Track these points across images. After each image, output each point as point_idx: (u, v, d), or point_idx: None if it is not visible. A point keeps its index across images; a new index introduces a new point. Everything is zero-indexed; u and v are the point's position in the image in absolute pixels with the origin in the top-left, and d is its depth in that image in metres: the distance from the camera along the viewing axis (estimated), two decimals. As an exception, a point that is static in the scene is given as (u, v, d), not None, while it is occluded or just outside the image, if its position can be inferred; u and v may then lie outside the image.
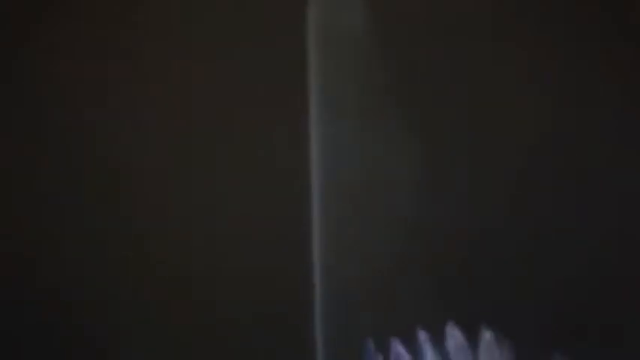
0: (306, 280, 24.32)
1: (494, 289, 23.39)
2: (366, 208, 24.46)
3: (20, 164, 25.47)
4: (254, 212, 24.82)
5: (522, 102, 25.01)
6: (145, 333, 23.97)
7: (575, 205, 24.80)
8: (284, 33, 25.06)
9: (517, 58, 25.52)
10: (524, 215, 24.75)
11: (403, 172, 24.26)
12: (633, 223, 24.38)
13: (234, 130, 25.30)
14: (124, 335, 24.12)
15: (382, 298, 23.46)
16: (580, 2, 25.00)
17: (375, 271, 23.89)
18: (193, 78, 25.81)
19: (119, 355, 23.78)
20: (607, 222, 24.61)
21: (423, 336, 21.37)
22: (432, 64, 24.98)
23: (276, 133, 24.94)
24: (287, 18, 24.93)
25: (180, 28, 26.13)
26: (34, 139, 25.89)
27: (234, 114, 25.31)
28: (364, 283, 23.71)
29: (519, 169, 24.79)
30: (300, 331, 23.82)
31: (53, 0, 26.66)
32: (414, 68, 24.75)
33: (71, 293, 24.41)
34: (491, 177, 24.50)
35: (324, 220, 24.45)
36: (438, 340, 21.23)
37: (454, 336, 21.35)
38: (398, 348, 21.62)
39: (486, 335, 21.03)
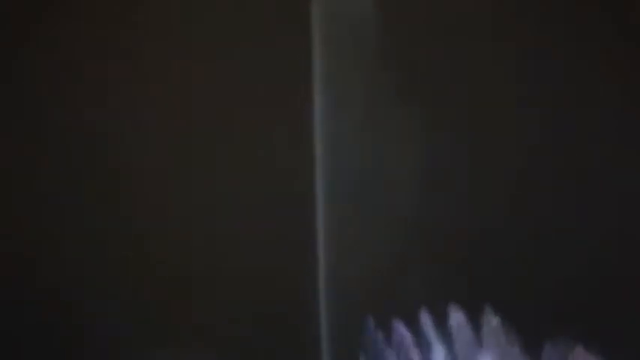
0: (311, 263, 24.40)
1: (497, 274, 23.49)
2: (370, 199, 24.53)
3: (20, 164, 25.49)
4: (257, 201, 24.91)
5: (523, 102, 25.12)
6: (146, 327, 24.00)
7: (575, 196, 24.89)
8: (288, 31, 25.11)
9: (517, 58, 25.62)
10: (525, 207, 24.85)
11: (406, 168, 24.35)
12: (632, 217, 24.46)
13: (238, 129, 25.36)
14: (124, 333, 24.14)
15: (386, 281, 23.58)
16: (580, 2, 25.08)
17: (379, 256, 24.04)
18: (195, 77, 25.77)
19: (120, 353, 23.77)
20: (604, 208, 24.70)
21: (425, 318, 21.57)
22: (435, 63, 25.01)
23: (280, 132, 25.00)
24: (291, 15, 25.00)
25: (181, 26, 26.04)
26: (34, 139, 25.92)
27: (238, 113, 25.37)
28: (368, 267, 23.81)
29: (519, 168, 24.90)
30: (304, 311, 23.90)
31: (53, 0, 26.69)
32: (418, 67, 24.80)
33: (71, 291, 24.44)
34: (491, 172, 24.57)
35: (329, 208, 24.49)
36: (441, 322, 21.52)
37: (456, 318, 21.55)
38: (401, 329, 21.75)
39: (492, 320, 21.21)
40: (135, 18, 26.21)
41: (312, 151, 24.33)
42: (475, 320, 21.15)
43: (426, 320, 21.27)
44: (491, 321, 21.03)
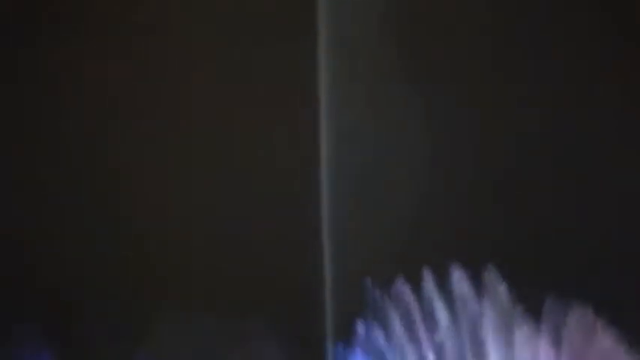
0: (315, 223, 24.49)
1: (499, 236, 23.61)
2: (375, 170, 24.65)
3: (21, 163, 25.50)
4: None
5: (524, 101, 25.23)
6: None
7: (575, 164, 24.86)
8: (293, 32, 25.14)
9: (517, 58, 25.74)
10: (526, 170, 24.88)
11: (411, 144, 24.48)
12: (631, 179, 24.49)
13: (241, 128, 25.36)
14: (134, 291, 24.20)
15: (389, 242, 23.68)
16: (580, 3, 25.19)
17: (383, 218, 24.15)
18: (199, 74, 25.87)
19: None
20: (605, 171, 24.73)
21: (427, 276, 21.74)
22: (443, 62, 25.10)
23: (284, 129, 25.04)
24: (297, 13, 25.04)
25: (183, 25, 26.21)
26: (35, 139, 25.95)
27: (242, 111, 25.38)
28: (372, 227, 23.92)
29: (518, 130, 25.05)
30: (308, 272, 23.94)
31: (54, 1, 26.72)
32: (424, 66, 24.82)
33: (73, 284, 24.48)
34: (492, 141, 24.68)
35: (333, 169, 24.59)
36: (443, 281, 21.68)
37: (458, 277, 21.72)
38: (401, 286, 21.91)
39: (490, 276, 21.42)
40: (136, 18, 26.26)
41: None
42: (476, 280, 21.54)
43: (428, 279, 21.62)
44: (492, 280, 21.35)
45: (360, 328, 21.70)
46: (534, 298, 21.04)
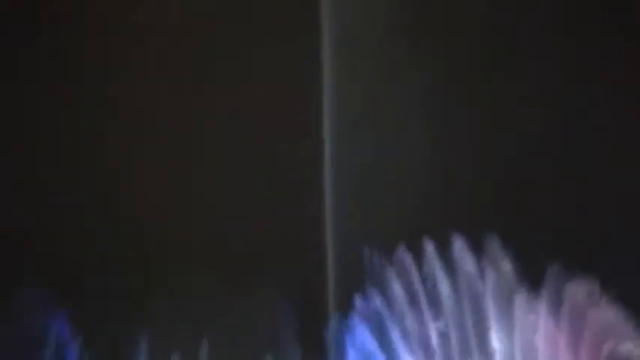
0: (318, 191, 24.57)
1: (499, 205, 23.75)
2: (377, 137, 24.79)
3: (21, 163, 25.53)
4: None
5: (525, 100, 25.32)
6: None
7: (577, 135, 24.94)
8: (296, 28, 25.23)
9: (518, 58, 25.82)
10: (528, 137, 24.97)
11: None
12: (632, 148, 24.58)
13: (247, 131, 25.50)
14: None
15: (390, 211, 23.73)
16: (581, 3, 25.26)
17: (385, 184, 24.24)
18: (200, 74, 25.94)
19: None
20: (606, 140, 24.79)
21: (428, 244, 21.84)
22: (446, 63, 25.16)
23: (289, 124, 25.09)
24: (301, 17, 25.13)
25: (188, 24, 26.28)
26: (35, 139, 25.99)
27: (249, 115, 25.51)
28: (374, 194, 23.99)
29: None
30: (312, 241, 24.03)
31: (54, 2, 26.74)
32: (428, 69, 24.91)
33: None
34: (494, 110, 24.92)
35: (335, 136, 24.70)
36: (444, 249, 21.80)
37: (459, 245, 21.84)
38: (402, 252, 22.02)
39: (492, 244, 21.54)
40: (137, 18, 26.27)
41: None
42: (477, 248, 21.67)
43: (428, 247, 21.76)
44: (493, 249, 21.49)
45: (361, 297, 21.74)
46: (535, 267, 21.12)
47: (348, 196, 24.35)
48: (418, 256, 21.88)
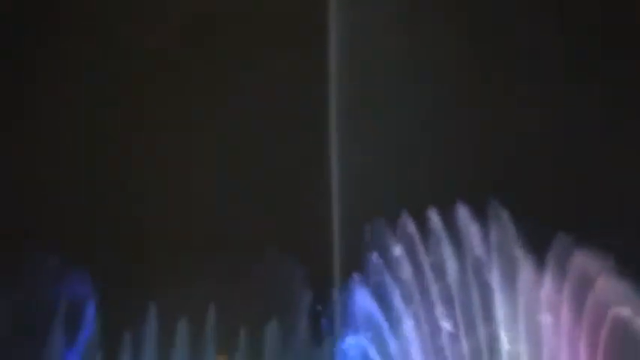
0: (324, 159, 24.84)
1: (505, 176, 23.93)
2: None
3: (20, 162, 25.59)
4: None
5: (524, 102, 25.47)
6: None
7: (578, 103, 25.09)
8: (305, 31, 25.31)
9: (518, 58, 25.94)
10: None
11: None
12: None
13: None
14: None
15: (394, 179, 23.94)
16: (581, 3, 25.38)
17: (389, 156, 24.39)
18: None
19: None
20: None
21: (433, 213, 21.99)
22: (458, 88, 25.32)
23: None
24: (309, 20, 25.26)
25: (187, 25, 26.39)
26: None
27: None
28: (379, 166, 24.15)
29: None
30: (317, 206, 24.20)
31: (58, 5, 26.77)
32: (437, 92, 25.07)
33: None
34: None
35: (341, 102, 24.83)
36: (449, 218, 21.99)
37: (464, 214, 22.01)
38: (405, 219, 22.17)
39: (498, 212, 21.69)
40: (142, 18, 26.33)
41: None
42: (482, 217, 21.85)
43: (433, 216, 21.98)
44: (498, 218, 21.67)
45: (365, 263, 21.90)
46: (539, 236, 21.27)
47: (354, 177, 24.53)
48: (422, 225, 22.01)
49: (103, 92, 26.29)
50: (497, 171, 24.56)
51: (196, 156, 25.97)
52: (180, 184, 25.68)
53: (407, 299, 21.74)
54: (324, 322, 22.86)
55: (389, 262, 21.97)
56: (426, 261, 21.86)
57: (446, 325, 21.50)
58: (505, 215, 21.63)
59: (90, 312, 23.22)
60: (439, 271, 21.76)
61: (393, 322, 21.72)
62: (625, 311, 19.79)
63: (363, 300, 21.94)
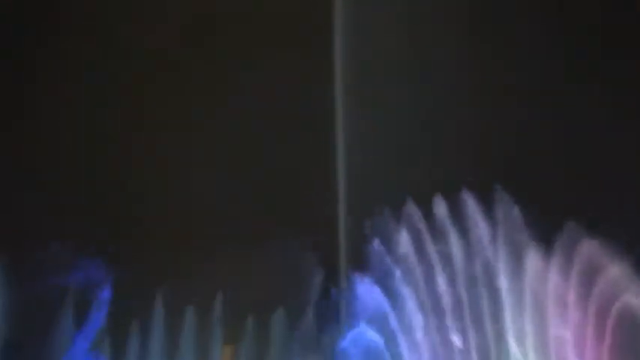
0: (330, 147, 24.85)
1: (512, 164, 23.97)
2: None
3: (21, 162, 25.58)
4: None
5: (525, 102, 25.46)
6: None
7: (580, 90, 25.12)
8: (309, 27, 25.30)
9: (518, 58, 25.94)
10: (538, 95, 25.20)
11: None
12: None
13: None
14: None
15: (400, 167, 23.92)
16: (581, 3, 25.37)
17: (394, 141, 24.41)
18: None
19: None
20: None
21: (438, 200, 21.97)
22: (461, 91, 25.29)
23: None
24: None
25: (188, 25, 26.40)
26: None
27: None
28: (384, 153, 24.17)
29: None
30: (323, 192, 24.24)
31: (58, 5, 26.77)
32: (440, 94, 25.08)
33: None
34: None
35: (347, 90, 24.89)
36: (453, 204, 22.01)
37: (469, 201, 22.00)
38: (410, 205, 22.22)
39: (503, 197, 21.73)
40: (144, 18, 26.35)
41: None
42: (488, 205, 21.90)
43: (439, 203, 22.05)
44: (505, 205, 21.65)
45: (370, 251, 21.92)
46: (547, 223, 21.29)
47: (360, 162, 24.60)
48: (427, 213, 22.06)
49: (103, 92, 26.27)
50: (497, 171, 24.56)
51: (196, 156, 25.93)
52: (180, 184, 25.66)
53: (411, 286, 21.78)
54: (330, 311, 22.97)
55: (392, 252, 22.02)
56: (432, 250, 21.88)
57: (452, 316, 21.60)
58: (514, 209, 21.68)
59: (104, 296, 23.40)
60: (446, 260, 21.82)
61: (398, 311, 21.76)
62: (633, 299, 19.83)
63: (367, 289, 21.92)
